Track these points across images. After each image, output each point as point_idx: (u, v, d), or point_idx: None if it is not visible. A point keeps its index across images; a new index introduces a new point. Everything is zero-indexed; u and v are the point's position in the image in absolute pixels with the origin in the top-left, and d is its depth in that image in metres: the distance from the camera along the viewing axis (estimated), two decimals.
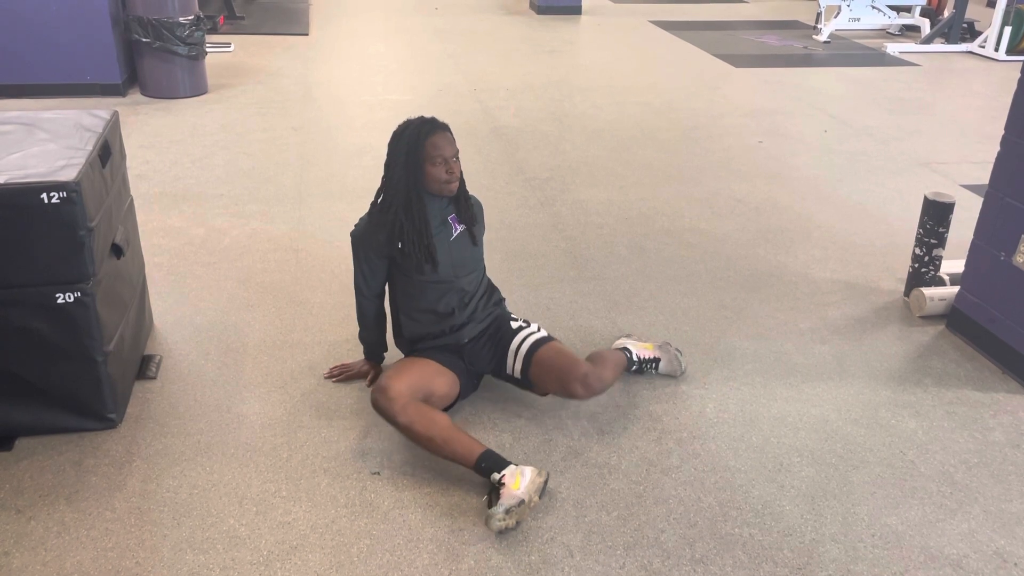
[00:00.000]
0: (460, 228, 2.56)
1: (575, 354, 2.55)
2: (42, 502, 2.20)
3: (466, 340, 2.58)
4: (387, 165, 2.50)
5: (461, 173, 2.51)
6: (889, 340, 3.10)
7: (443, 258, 2.51)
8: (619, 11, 9.91)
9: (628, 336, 2.91)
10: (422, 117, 2.51)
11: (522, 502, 2.12)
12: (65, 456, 2.37)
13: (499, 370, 2.63)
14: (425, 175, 2.43)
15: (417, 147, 2.42)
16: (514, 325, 2.64)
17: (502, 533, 2.13)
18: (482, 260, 2.66)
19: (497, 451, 2.43)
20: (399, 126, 2.51)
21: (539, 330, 2.63)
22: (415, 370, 2.45)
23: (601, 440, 2.50)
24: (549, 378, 2.51)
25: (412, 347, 2.62)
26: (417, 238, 2.46)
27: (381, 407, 2.34)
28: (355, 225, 2.59)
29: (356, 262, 2.58)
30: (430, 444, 2.29)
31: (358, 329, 2.71)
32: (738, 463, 2.43)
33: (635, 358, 2.76)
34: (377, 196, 2.54)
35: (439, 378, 2.47)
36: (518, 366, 2.57)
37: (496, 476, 2.20)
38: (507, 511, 2.10)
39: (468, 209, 2.58)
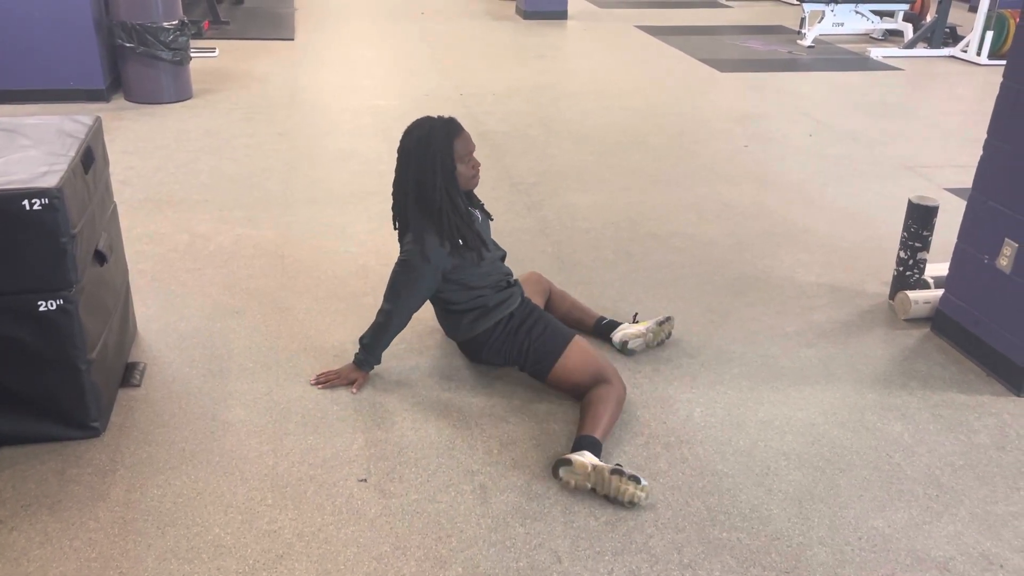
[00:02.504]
0: (476, 212, 2.74)
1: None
2: (24, 512, 2.17)
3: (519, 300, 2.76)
4: (418, 174, 2.55)
5: None
6: (875, 343, 3.11)
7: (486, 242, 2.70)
8: (605, 16, 9.94)
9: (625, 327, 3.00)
10: (432, 117, 2.61)
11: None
12: (48, 465, 2.34)
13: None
14: (457, 174, 2.57)
15: (449, 150, 2.54)
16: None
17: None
18: None
19: (484, 458, 2.44)
20: (417, 130, 2.57)
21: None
22: (591, 350, 2.67)
23: None
24: (525, 283, 2.95)
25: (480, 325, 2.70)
26: (469, 232, 2.59)
27: (624, 389, 2.57)
28: (407, 251, 2.59)
29: (413, 286, 2.60)
30: (612, 413, 2.48)
31: (365, 337, 2.69)
32: (725, 467, 2.43)
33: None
34: (399, 208, 2.64)
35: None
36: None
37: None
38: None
39: (473, 194, 2.75)
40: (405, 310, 2.64)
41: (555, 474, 2.31)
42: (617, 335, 2.94)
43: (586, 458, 2.28)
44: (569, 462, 2.28)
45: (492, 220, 2.86)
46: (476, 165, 2.62)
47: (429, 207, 2.55)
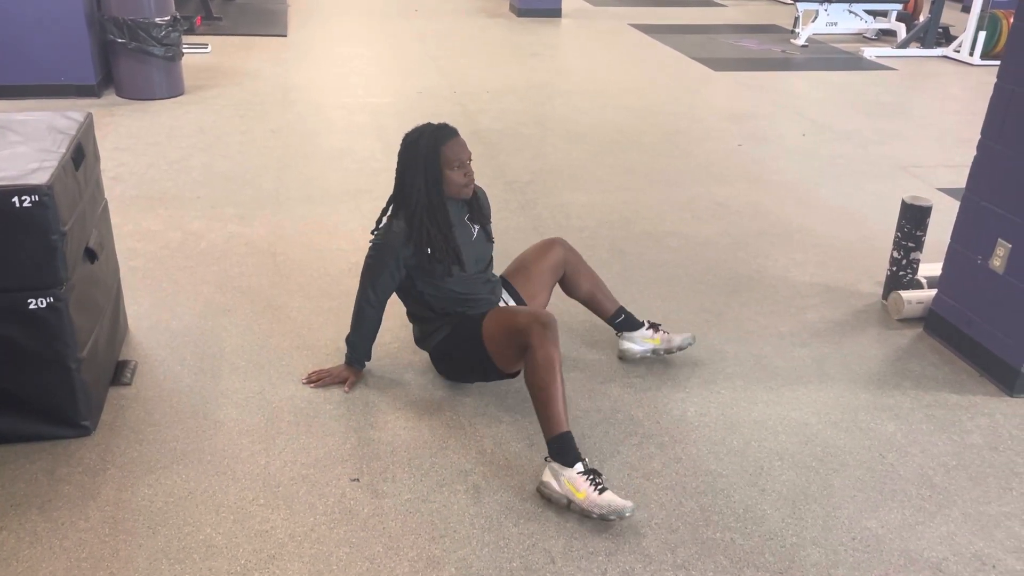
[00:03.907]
0: (476, 228, 2.65)
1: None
2: (14, 512, 2.16)
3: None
4: (402, 173, 2.53)
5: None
6: (868, 343, 3.12)
7: (469, 257, 2.58)
8: (599, 14, 9.93)
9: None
10: (432, 124, 2.56)
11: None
12: (38, 464, 2.32)
13: None
14: (444, 180, 2.49)
15: (435, 153, 2.48)
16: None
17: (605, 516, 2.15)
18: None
19: (477, 457, 2.42)
20: (411, 133, 2.54)
21: None
22: (499, 323, 2.50)
23: (582, 445, 2.48)
24: (531, 271, 2.76)
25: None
26: (444, 243, 2.51)
27: (536, 334, 2.30)
28: (376, 235, 2.58)
29: (375, 270, 2.57)
30: (551, 383, 2.26)
31: (349, 334, 2.69)
32: (719, 467, 2.43)
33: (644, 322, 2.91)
34: (389, 204, 2.59)
35: None
36: (508, 299, 2.70)
37: (588, 461, 2.25)
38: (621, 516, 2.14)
39: (479, 210, 2.67)
40: (372, 297, 2.60)
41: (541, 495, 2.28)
42: (624, 344, 2.90)
43: (562, 485, 2.20)
44: (547, 497, 2.24)
45: (492, 242, 2.72)
46: (468, 174, 2.53)
47: (408, 208, 2.51)
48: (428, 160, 2.47)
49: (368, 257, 2.59)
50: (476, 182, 2.64)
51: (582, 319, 3.17)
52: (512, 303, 2.73)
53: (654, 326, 2.90)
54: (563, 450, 2.24)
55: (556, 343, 2.32)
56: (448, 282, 2.56)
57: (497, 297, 2.69)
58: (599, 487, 2.18)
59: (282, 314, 3.13)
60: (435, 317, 2.63)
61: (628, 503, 2.15)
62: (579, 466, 2.22)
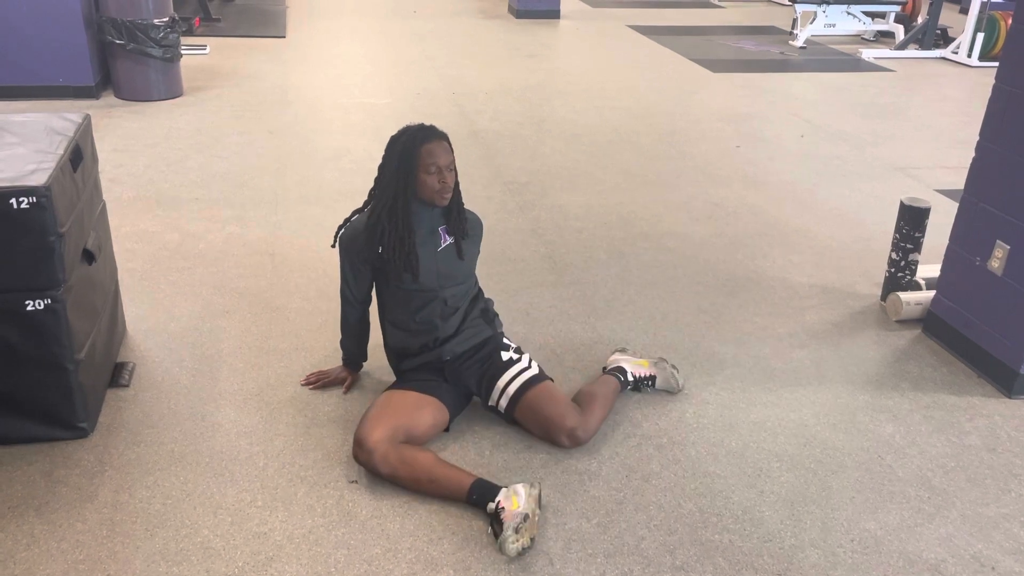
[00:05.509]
0: (449, 240, 2.51)
1: (565, 400, 2.49)
2: (11, 514, 2.15)
3: (448, 357, 2.52)
4: (379, 169, 2.46)
5: (457, 185, 2.47)
6: (866, 344, 3.12)
7: (427, 268, 2.45)
8: (597, 15, 9.94)
9: (623, 351, 2.85)
10: (421, 124, 2.46)
11: (526, 516, 2.08)
12: (35, 466, 2.32)
13: (482, 396, 2.56)
14: (417, 182, 2.39)
15: (411, 153, 2.37)
16: (505, 356, 2.54)
17: (521, 554, 2.06)
18: (472, 275, 2.60)
19: (476, 459, 2.42)
20: (398, 131, 2.46)
21: (531, 364, 2.55)
22: (393, 410, 2.36)
23: (581, 447, 2.49)
24: (535, 423, 2.48)
25: (398, 363, 2.58)
26: (398, 244, 2.40)
27: (361, 460, 2.29)
28: (342, 226, 2.54)
29: (341, 265, 2.54)
30: (418, 487, 2.25)
31: (340, 335, 2.69)
32: (718, 469, 2.42)
33: (630, 378, 2.71)
34: (369, 199, 2.52)
35: (420, 411, 2.40)
36: (504, 404, 2.51)
37: (492, 506, 2.14)
38: (516, 529, 2.05)
39: (460, 222, 2.52)
40: (348, 294, 2.57)
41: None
42: (612, 358, 2.84)
43: (508, 526, 2.08)
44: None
45: (462, 260, 2.51)
46: (445, 180, 2.38)
47: (374, 203, 2.45)
48: (403, 159, 2.38)
49: None
50: (474, 189, 2.57)
51: (581, 321, 3.17)
52: (502, 402, 2.52)
53: (637, 385, 2.75)
54: (479, 505, 2.20)
55: (377, 463, 2.25)
56: (401, 290, 2.45)
57: (459, 338, 2.52)
58: (495, 535, 2.11)
59: (280, 315, 3.13)
60: (391, 355, 2.61)
61: (503, 540, 2.04)
62: (490, 507, 2.16)
